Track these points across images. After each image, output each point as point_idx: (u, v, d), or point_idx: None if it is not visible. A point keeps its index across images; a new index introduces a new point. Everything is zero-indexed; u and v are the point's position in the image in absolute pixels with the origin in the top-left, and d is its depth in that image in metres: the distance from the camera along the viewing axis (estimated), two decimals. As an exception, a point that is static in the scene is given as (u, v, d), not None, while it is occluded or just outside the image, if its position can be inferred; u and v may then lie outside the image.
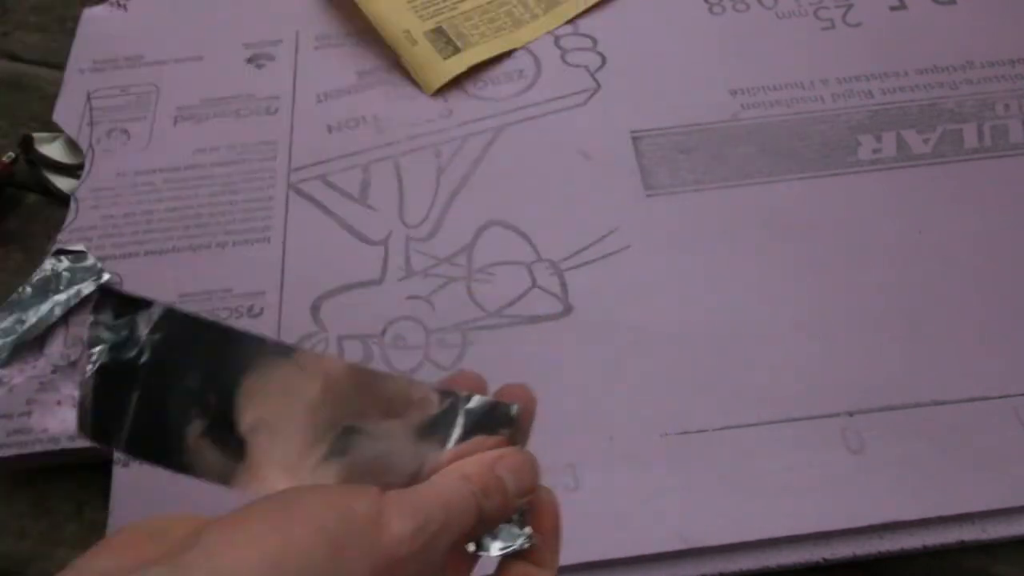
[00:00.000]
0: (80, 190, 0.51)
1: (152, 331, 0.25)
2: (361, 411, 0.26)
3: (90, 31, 0.59)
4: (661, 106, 0.53)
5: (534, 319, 0.45)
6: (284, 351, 0.25)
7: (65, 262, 0.46)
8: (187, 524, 0.23)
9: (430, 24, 0.57)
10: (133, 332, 0.25)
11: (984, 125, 0.52)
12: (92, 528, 0.41)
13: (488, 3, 0.59)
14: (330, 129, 0.53)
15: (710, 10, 0.59)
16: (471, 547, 0.26)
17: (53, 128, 0.54)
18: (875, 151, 0.51)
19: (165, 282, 0.47)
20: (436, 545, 0.22)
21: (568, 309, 0.45)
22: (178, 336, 0.25)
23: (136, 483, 0.40)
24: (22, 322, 0.44)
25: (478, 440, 0.26)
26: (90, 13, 0.61)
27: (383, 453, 0.26)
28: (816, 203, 0.49)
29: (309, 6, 0.61)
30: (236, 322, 0.45)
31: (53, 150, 0.54)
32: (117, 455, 0.41)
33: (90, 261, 0.46)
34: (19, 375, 0.44)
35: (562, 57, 0.57)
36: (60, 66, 0.58)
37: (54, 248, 0.47)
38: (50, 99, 0.56)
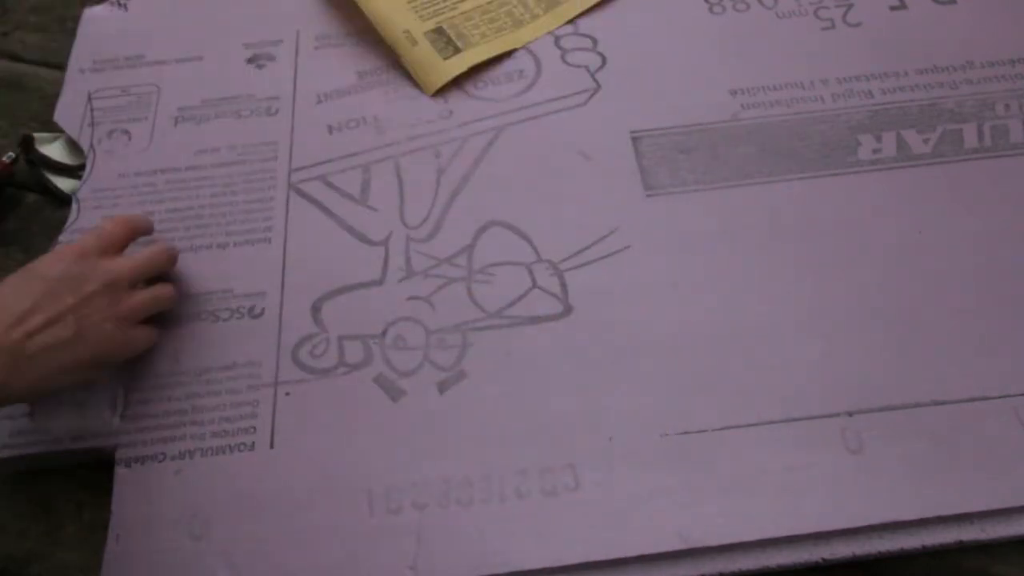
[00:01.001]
0: (82, 191, 0.51)
1: None
2: None
3: (90, 31, 0.59)
4: (661, 106, 0.53)
5: (534, 319, 0.45)
6: None
7: None
8: None
9: (430, 24, 0.57)
10: None
11: (984, 125, 0.52)
12: (92, 528, 0.41)
13: (488, 3, 0.59)
14: (330, 129, 0.53)
15: (710, 10, 0.59)
16: None
17: (53, 128, 0.54)
18: (875, 151, 0.51)
19: (165, 283, 0.47)
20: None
21: (568, 309, 0.45)
22: None
23: (137, 483, 0.40)
24: None
25: None
26: (90, 13, 0.61)
27: None
28: (816, 203, 0.49)
29: (309, 6, 0.61)
30: (237, 322, 0.45)
31: (53, 150, 0.54)
32: (119, 456, 0.41)
33: None
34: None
35: (562, 57, 0.57)
36: (60, 66, 0.58)
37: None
38: (50, 99, 0.56)
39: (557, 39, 0.58)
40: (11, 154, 0.53)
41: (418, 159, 0.52)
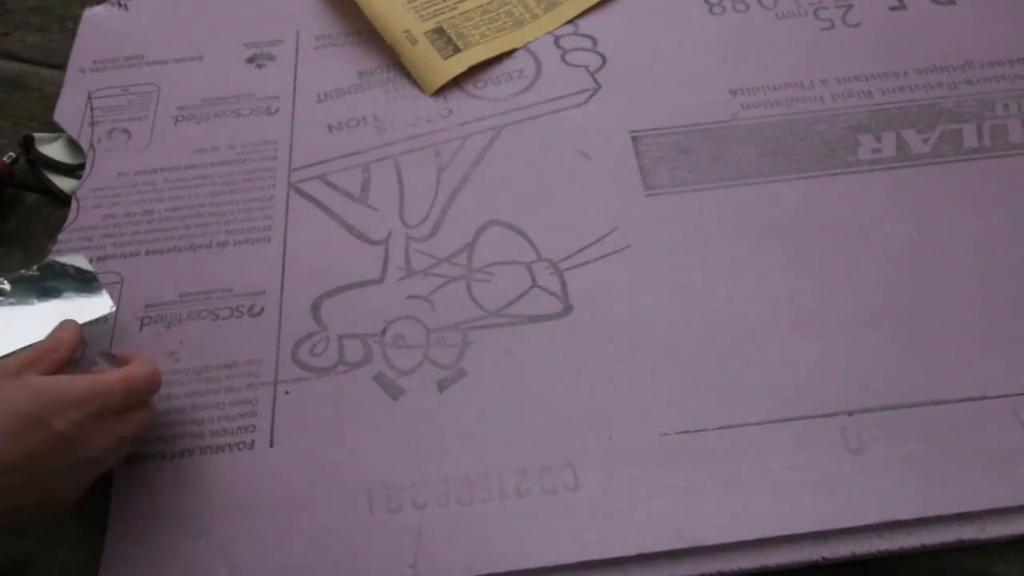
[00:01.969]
0: (81, 190, 0.51)
1: None
2: None
3: (90, 31, 0.59)
4: (661, 106, 0.53)
5: (534, 318, 0.45)
6: None
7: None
8: None
9: (430, 24, 0.57)
10: None
11: (984, 125, 0.52)
12: (92, 528, 0.41)
13: (488, 3, 0.59)
14: (330, 129, 0.53)
15: (710, 10, 0.59)
16: None
17: (53, 128, 0.54)
18: (875, 151, 0.51)
19: (166, 282, 0.47)
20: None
21: (568, 309, 0.45)
22: None
23: (136, 483, 0.40)
24: None
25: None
26: (90, 13, 0.61)
27: None
28: (816, 203, 0.49)
29: (309, 6, 0.61)
30: (237, 321, 0.45)
31: (53, 150, 0.54)
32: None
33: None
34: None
35: (562, 57, 0.57)
36: (60, 66, 0.58)
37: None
38: (50, 99, 0.56)
39: (557, 39, 0.58)
40: (11, 154, 0.53)
41: (418, 158, 0.52)
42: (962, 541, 0.38)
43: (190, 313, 0.46)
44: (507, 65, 0.56)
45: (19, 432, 0.33)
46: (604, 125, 0.53)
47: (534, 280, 0.46)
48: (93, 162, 0.52)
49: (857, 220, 0.48)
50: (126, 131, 0.54)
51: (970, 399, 0.42)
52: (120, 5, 0.61)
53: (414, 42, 0.56)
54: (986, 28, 0.57)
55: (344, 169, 0.51)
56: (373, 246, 0.48)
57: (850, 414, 0.41)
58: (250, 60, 0.57)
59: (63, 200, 0.52)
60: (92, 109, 0.55)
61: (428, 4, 0.59)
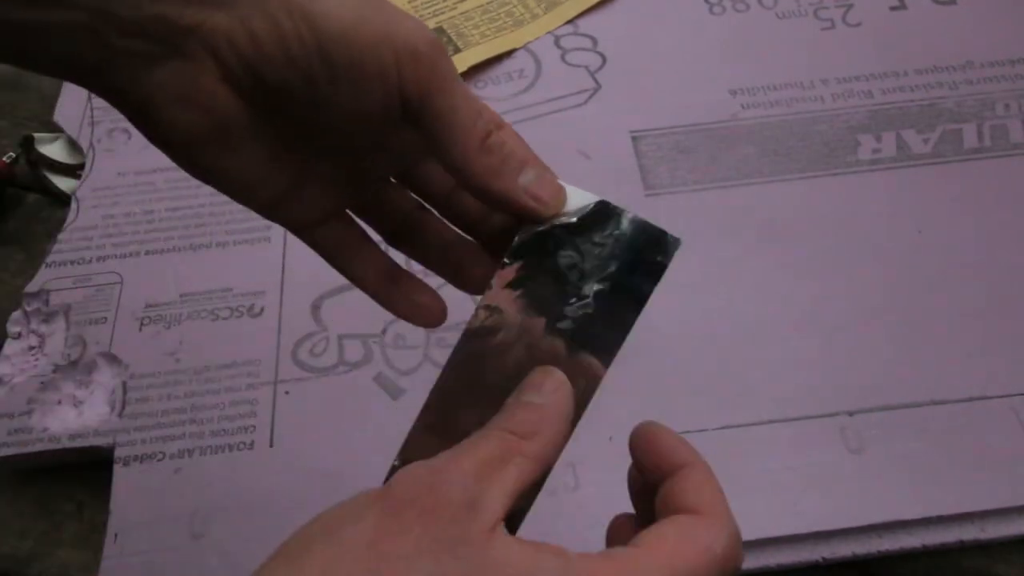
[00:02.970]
0: (81, 190, 0.51)
1: None
2: None
3: (90, 31, 0.59)
4: (661, 106, 0.53)
5: (534, 319, 0.45)
6: None
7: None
8: None
9: (430, 24, 0.57)
10: None
11: (984, 125, 0.52)
12: (92, 528, 0.41)
13: (488, 3, 0.59)
14: (330, 129, 0.53)
15: (710, 10, 0.59)
16: None
17: (53, 128, 0.54)
18: (875, 151, 0.51)
19: (165, 281, 0.47)
20: None
21: (568, 309, 0.45)
22: None
23: (136, 482, 0.40)
24: None
25: None
26: (90, 13, 0.61)
27: None
28: (816, 203, 0.49)
29: (309, 6, 0.61)
30: (237, 321, 0.45)
31: (53, 150, 0.54)
32: (118, 454, 0.41)
33: None
34: (20, 376, 0.44)
35: (562, 57, 0.57)
36: (60, 66, 0.58)
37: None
38: (50, 99, 0.56)
39: (557, 39, 0.58)
40: (11, 154, 0.53)
41: (418, 159, 0.52)
42: (962, 541, 0.38)
43: (190, 313, 0.46)
44: (507, 65, 0.56)
45: None
46: (604, 125, 0.53)
47: (534, 280, 0.46)
48: (93, 162, 0.52)
49: (857, 220, 0.48)
50: (126, 131, 0.54)
51: (970, 399, 0.42)
52: (120, 5, 0.61)
53: (414, 42, 0.56)
54: (986, 28, 0.57)
55: (344, 169, 0.51)
56: (373, 246, 0.48)
57: (850, 414, 0.41)
58: (250, 60, 0.57)
59: (63, 200, 0.52)
60: (92, 109, 0.55)
61: (428, 4, 0.59)
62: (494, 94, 0.55)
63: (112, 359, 0.44)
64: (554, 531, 0.39)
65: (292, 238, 0.47)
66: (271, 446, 0.41)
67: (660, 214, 0.48)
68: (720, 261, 0.47)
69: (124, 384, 0.43)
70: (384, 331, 0.45)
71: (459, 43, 0.57)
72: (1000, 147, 0.51)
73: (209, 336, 0.45)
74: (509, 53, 0.57)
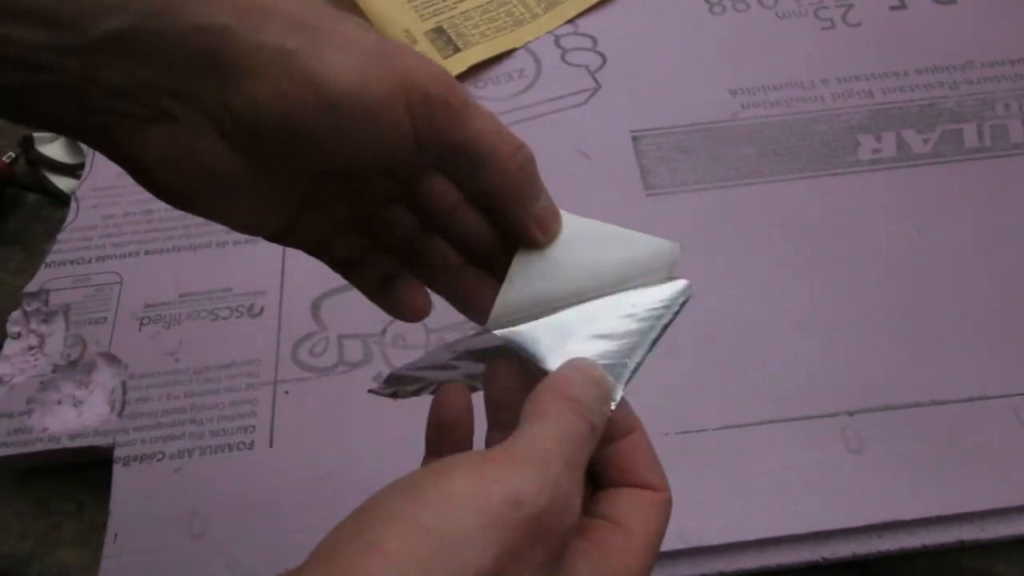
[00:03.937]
0: (80, 189, 0.51)
1: None
2: None
3: (90, 31, 0.59)
4: (661, 106, 0.53)
5: (534, 319, 0.45)
6: None
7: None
8: None
9: (430, 23, 0.57)
10: None
11: (984, 125, 0.52)
12: (92, 528, 0.41)
13: (488, 2, 0.59)
14: (330, 129, 0.53)
15: (710, 10, 0.59)
16: None
17: (53, 128, 0.54)
18: (875, 151, 0.51)
19: (165, 281, 0.47)
20: (561, 485, 0.21)
21: (568, 309, 0.45)
22: None
23: (135, 482, 0.40)
24: None
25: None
26: (90, 13, 0.60)
27: None
28: (816, 203, 0.49)
29: (309, 6, 0.60)
30: (236, 321, 0.45)
31: (53, 150, 0.53)
32: (118, 454, 0.41)
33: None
34: (19, 376, 0.44)
35: (562, 57, 0.57)
36: (60, 66, 0.58)
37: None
38: (50, 99, 0.56)
39: (557, 38, 0.58)
40: (11, 154, 0.53)
41: (418, 158, 0.52)
42: (962, 541, 0.38)
43: (189, 313, 0.46)
44: (507, 65, 0.56)
45: None
46: (604, 125, 0.53)
47: (534, 280, 0.46)
48: (93, 162, 0.52)
49: (857, 220, 0.48)
50: (126, 131, 0.53)
51: (970, 399, 0.42)
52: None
53: (414, 42, 0.56)
54: (986, 28, 0.57)
55: (344, 169, 0.51)
56: (373, 246, 0.48)
57: (850, 414, 0.41)
58: (250, 60, 0.57)
59: (63, 200, 0.52)
60: (92, 109, 0.55)
61: (428, 4, 0.59)
62: (494, 94, 0.55)
63: (112, 359, 0.44)
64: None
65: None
66: (271, 446, 0.41)
67: (660, 214, 0.49)
68: (720, 261, 0.47)
69: (124, 384, 0.43)
70: (384, 331, 0.45)
71: (459, 43, 0.56)
72: (1000, 147, 0.51)
73: (209, 336, 0.45)
74: (509, 53, 0.57)
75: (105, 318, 0.45)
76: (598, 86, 0.55)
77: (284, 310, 0.46)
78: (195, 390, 0.43)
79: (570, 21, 0.59)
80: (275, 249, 0.48)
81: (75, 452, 0.42)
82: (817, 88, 0.54)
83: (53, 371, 0.44)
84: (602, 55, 0.56)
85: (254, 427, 0.42)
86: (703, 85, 0.54)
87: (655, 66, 0.56)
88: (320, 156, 0.24)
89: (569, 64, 0.56)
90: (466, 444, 0.27)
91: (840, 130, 0.52)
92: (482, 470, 0.21)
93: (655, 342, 0.28)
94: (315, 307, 0.46)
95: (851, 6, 0.58)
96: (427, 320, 0.44)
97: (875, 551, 0.38)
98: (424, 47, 0.56)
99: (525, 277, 0.27)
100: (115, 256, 0.48)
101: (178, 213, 0.49)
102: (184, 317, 0.46)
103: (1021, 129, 0.51)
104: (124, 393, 0.43)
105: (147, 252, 0.48)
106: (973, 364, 0.43)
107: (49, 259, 0.48)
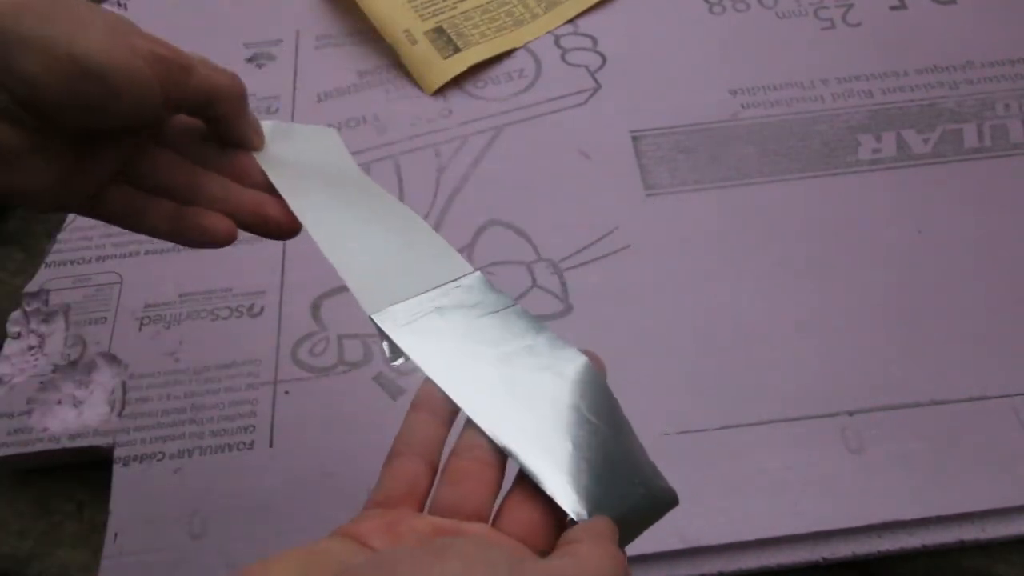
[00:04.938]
0: (80, 189, 0.51)
1: None
2: None
3: (90, 31, 0.59)
4: (661, 106, 0.53)
5: (534, 319, 0.45)
6: None
7: None
8: None
9: (430, 24, 0.57)
10: None
11: (984, 125, 0.52)
12: (92, 528, 0.41)
13: (488, 2, 0.59)
14: (330, 129, 0.53)
15: (710, 10, 0.59)
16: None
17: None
18: (875, 151, 0.51)
19: (165, 281, 0.47)
20: None
21: (568, 309, 0.45)
22: None
23: (135, 482, 0.40)
24: None
25: None
26: (90, 13, 0.60)
27: None
28: (816, 203, 0.49)
29: (309, 6, 0.61)
30: (236, 321, 0.45)
31: (53, 149, 0.53)
32: (118, 454, 0.41)
33: None
34: (19, 376, 0.44)
35: (562, 57, 0.57)
36: (60, 66, 0.58)
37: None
38: (50, 99, 0.56)
39: (557, 38, 0.58)
40: (11, 153, 0.53)
41: (418, 158, 0.52)
42: (962, 541, 0.38)
43: (189, 313, 0.46)
44: (507, 65, 0.56)
45: None
46: (604, 125, 0.53)
47: (534, 280, 0.46)
48: (93, 162, 0.52)
49: (857, 220, 0.48)
50: (126, 131, 0.53)
51: (970, 399, 0.42)
52: (120, 5, 0.61)
53: (414, 42, 0.56)
54: (986, 28, 0.57)
55: (344, 169, 0.51)
56: (373, 246, 0.48)
57: (850, 414, 0.41)
58: (250, 60, 0.57)
59: (63, 200, 0.52)
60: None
61: (428, 4, 0.59)
62: (494, 94, 0.55)
63: (112, 359, 0.44)
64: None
65: (292, 239, 0.46)
66: (271, 446, 0.41)
67: (660, 214, 0.49)
68: (720, 261, 0.47)
69: (124, 384, 0.43)
70: (384, 331, 0.45)
71: (459, 43, 0.56)
72: (1000, 147, 0.51)
73: (209, 336, 0.45)
74: (509, 53, 0.57)
75: (105, 318, 0.45)
76: (598, 86, 0.55)
77: (284, 310, 0.46)
78: (195, 390, 0.43)
79: (570, 21, 0.59)
80: (275, 249, 0.48)
81: (75, 452, 0.42)
82: (817, 88, 0.54)
83: (53, 371, 0.44)
84: (602, 55, 0.56)
85: (254, 427, 0.42)
86: (703, 85, 0.54)
87: (655, 66, 0.56)
88: (90, 117, 0.29)
89: (569, 64, 0.56)
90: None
91: (840, 130, 0.52)
92: None
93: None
94: (315, 307, 0.46)
95: (851, 6, 0.59)
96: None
97: (875, 551, 0.38)
98: (424, 47, 0.56)
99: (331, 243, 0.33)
100: (115, 256, 0.48)
101: (178, 213, 0.50)
102: (184, 317, 0.46)
103: (1021, 129, 0.52)
104: (124, 393, 0.43)
105: (147, 252, 0.48)
106: (973, 364, 0.43)
107: (49, 259, 0.48)
